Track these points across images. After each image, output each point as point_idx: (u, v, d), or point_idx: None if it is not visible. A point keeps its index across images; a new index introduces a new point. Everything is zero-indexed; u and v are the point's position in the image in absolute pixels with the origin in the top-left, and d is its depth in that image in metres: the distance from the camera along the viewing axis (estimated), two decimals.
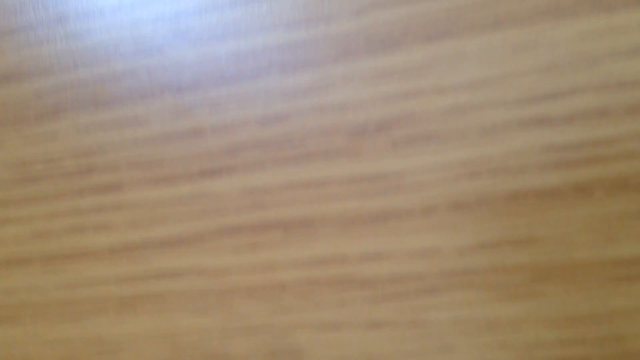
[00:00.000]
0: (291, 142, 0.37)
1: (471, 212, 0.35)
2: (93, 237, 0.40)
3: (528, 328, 0.35)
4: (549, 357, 0.35)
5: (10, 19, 0.41)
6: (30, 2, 0.41)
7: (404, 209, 0.36)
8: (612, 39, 0.33)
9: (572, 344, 0.35)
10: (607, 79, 0.33)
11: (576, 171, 0.33)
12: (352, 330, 0.37)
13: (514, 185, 0.34)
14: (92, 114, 0.40)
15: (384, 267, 0.36)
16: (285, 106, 0.37)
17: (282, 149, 0.37)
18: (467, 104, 0.35)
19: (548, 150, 0.34)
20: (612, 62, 0.33)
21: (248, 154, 0.38)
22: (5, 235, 0.41)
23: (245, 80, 0.38)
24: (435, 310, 0.36)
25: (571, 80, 0.34)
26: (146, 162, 0.39)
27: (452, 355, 0.36)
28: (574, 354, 0.35)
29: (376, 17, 0.36)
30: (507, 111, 0.34)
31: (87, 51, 0.40)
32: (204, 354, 0.39)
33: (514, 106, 0.34)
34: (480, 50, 0.35)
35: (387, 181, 0.36)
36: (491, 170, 0.35)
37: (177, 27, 0.38)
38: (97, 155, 0.40)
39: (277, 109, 0.38)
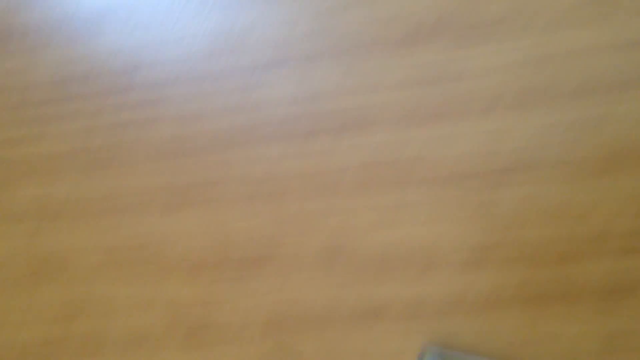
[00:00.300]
0: (346, 35, 0.36)
1: (538, 102, 0.34)
2: (136, 147, 0.39)
3: (602, 209, 0.35)
4: (629, 231, 0.35)
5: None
6: None
7: (468, 98, 0.35)
8: None
9: None
10: None
11: None
12: (412, 213, 0.37)
13: (583, 77, 0.34)
14: (129, 33, 0.39)
15: (447, 157, 0.36)
16: None
17: (336, 42, 0.36)
18: None
19: (619, 44, 0.33)
20: None
21: (299, 48, 0.37)
22: (41, 151, 0.40)
23: None
24: (503, 195, 0.36)
25: None
26: (188, 76, 0.38)
27: (521, 240, 0.36)
28: None
29: None
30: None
31: None
32: (255, 245, 0.39)
33: None
34: None
35: (447, 76, 0.35)
36: (558, 63, 0.34)
37: None
38: (134, 72, 0.39)
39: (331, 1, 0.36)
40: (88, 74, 0.40)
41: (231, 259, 0.39)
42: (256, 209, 0.39)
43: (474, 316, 0.36)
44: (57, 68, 0.40)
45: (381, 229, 0.37)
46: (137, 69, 0.39)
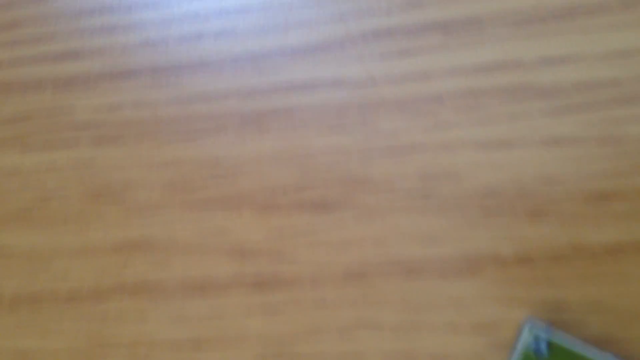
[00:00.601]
0: None
1: None
2: (212, 45, 0.34)
3: None
4: None
5: None
6: None
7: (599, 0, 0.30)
8: None
9: None
10: None
11: None
12: (525, 148, 0.31)
13: None
14: None
15: (569, 73, 0.31)
16: None
17: None
18: None
19: None
20: None
21: None
22: (112, 44, 0.36)
23: None
24: (633, 122, 0.30)
25: None
26: None
27: None
28: None
29: None
30: None
31: None
32: (339, 177, 0.34)
33: None
34: None
35: None
36: None
37: None
38: None
39: None
40: None
41: (308, 200, 0.35)
42: (339, 141, 0.34)
43: (587, 279, 0.31)
44: None
45: (484, 166, 0.32)
46: None
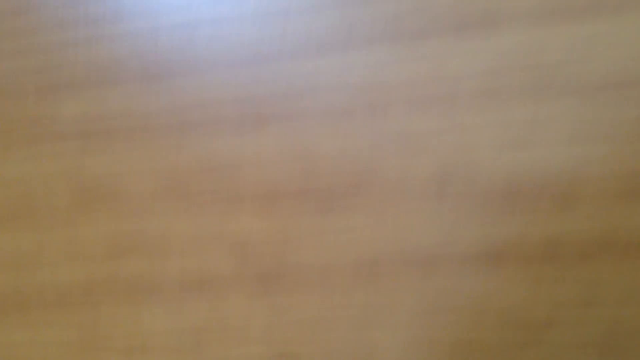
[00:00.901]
0: None
1: None
2: (206, 51, 0.32)
3: None
4: None
5: None
6: None
7: None
8: None
9: None
10: None
11: None
12: (551, 129, 0.29)
13: None
14: None
15: (599, 61, 0.29)
16: None
17: None
18: None
19: None
20: None
21: None
22: (92, 57, 0.33)
23: None
24: None
25: None
26: None
27: None
28: None
29: None
30: None
31: None
32: (347, 175, 0.32)
33: None
34: None
35: None
36: None
37: None
38: None
39: None
40: None
41: (315, 188, 0.32)
42: (349, 127, 0.32)
43: (625, 262, 0.29)
44: None
45: (507, 151, 0.30)
46: None
